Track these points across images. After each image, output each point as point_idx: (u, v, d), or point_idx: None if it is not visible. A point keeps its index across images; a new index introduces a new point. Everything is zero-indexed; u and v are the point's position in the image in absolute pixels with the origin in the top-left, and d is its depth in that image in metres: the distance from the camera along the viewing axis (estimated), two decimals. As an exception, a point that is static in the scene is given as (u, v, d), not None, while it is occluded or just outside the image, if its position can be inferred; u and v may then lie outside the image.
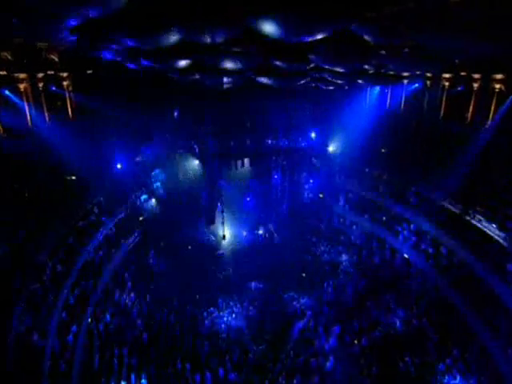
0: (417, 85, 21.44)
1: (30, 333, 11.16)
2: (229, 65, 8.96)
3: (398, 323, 15.55)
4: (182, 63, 9.72)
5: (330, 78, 11.42)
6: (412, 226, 18.38)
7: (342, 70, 9.95)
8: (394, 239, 19.28)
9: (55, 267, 14.16)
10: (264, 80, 11.21)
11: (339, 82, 13.03)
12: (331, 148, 26.54)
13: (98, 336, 15.23)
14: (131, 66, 14.59)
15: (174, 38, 7.69)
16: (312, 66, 10.26)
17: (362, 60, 9.21)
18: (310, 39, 7.60)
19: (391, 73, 13.78)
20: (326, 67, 9.56)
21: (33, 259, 12.90)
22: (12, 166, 16.48)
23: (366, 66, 10.27)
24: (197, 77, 12.14)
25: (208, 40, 7.30)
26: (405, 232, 18.50)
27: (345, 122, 25.05)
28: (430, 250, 16.53)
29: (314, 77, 11.42)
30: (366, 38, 7.73)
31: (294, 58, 9.19)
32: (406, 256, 17.81)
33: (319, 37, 7.62)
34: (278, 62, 9.29)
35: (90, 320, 15.43)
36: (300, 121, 25.93)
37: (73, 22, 9.46)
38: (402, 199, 19.57)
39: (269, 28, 6.86)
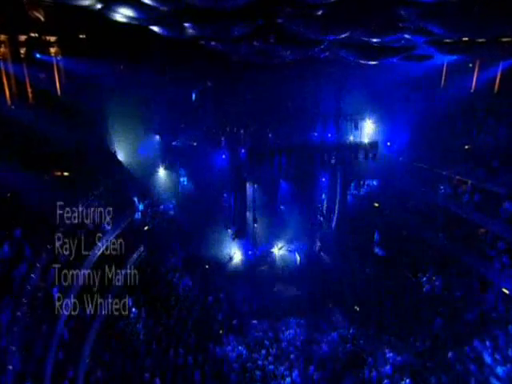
0: None
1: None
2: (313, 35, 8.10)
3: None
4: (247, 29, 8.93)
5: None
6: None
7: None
8: (484, 266, 18.14)
9: (49, 291, 13.54)
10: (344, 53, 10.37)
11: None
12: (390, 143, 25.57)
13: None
14: (160, 30, 14.00)
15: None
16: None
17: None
18: None
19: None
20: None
21: (25, 281, 12.31)
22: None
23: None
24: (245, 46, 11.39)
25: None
26: (502, 257, 17.33)
27: (412, 109, 24.00)
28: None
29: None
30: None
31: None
32: (505, 291, 16.63)
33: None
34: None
35: (87, 361, 14.85)
36: (352, 108, 24.98)
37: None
38: (495, 213, 18.38)
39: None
